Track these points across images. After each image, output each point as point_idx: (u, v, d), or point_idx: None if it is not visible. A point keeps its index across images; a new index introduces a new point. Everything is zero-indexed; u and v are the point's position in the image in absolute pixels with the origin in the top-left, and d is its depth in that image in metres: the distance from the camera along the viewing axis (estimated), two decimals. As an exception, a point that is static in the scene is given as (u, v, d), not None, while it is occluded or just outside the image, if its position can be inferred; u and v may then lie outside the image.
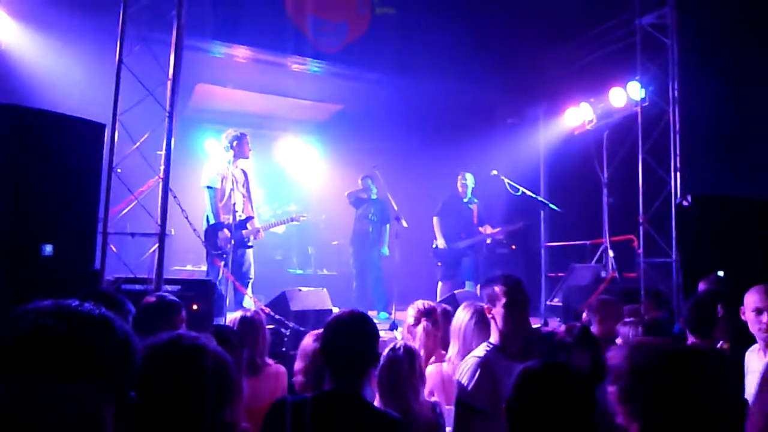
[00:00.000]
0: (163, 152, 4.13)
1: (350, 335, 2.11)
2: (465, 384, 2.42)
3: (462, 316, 3.06)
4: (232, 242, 5.47)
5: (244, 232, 5.81)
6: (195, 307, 4.24)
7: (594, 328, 3.58)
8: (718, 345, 3.14)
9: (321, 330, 2.28)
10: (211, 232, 5.68)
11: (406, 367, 2.54)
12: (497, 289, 2.57)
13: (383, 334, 5.16)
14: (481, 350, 2.55)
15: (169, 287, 4.34)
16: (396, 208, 6.49)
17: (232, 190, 5.79)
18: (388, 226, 7.33)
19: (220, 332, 2.80)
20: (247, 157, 5.99)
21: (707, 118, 6.16)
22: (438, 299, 6.68)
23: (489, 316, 2.60)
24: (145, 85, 4.16)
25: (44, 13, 5.11)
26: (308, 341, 2.86)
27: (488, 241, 7.70)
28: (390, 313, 6.55)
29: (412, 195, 7.61)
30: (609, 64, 7.41)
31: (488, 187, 7.42)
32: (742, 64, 6.13)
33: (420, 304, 3.44)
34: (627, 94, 6.86)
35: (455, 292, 5.88)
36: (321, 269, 9.01)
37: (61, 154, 3.38)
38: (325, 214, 8.81)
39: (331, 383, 2.06)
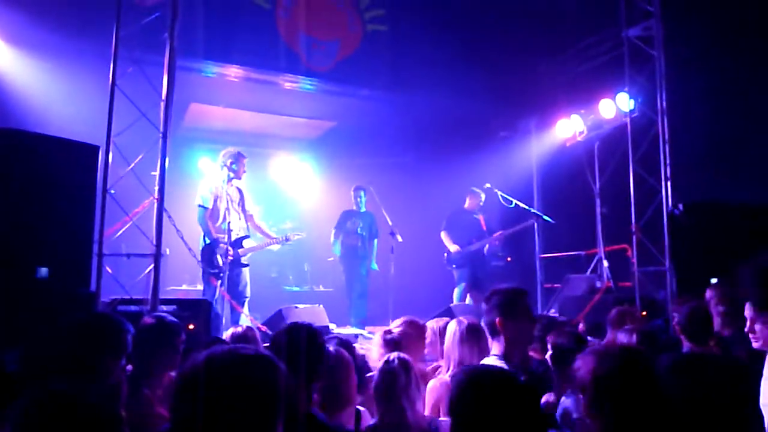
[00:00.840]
0: (158, 173, 4.15)
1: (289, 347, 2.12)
2: None
3: (452, 330, 3.07)
4: (229, 261, 5.48)
5: (239, 251, 5.82)
6: (191, 326, 4.23)
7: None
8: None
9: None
10: (207, 251, 5.69)
11: (402, 378, 2.53)
12: (503, 299, 2.59)
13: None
14: (492, 362, 2.55)
15: (165, 307, 4.34)
16: (390, 223, 6.52)
17: (227, 209, 5.81)
18: (376, 240, 7.34)
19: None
20: (239, 179, 6.02)
21: (696, 127, 6.23)
22: (455, 303, 6.72)
23: (498, 327, 2.59)
24: (139, 106, 4.20)
25: (37, 37, 5.15)
26: None
27: (485, 250, 7.71)
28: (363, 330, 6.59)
29: (407, 210, 7.64)
30: (598, 75, 7.51)
31: (483, 200, 7.48)
32: (729, 74, 6.22)
33: (383, 334, 3.35)
34: (616, 105, 6.94)
35: (451, 305, 5.90)
36: (317, 285, 9.00)
37: (55, 176, 3.40)
38: (320, 230, 8.81)
39: None
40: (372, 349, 3.39)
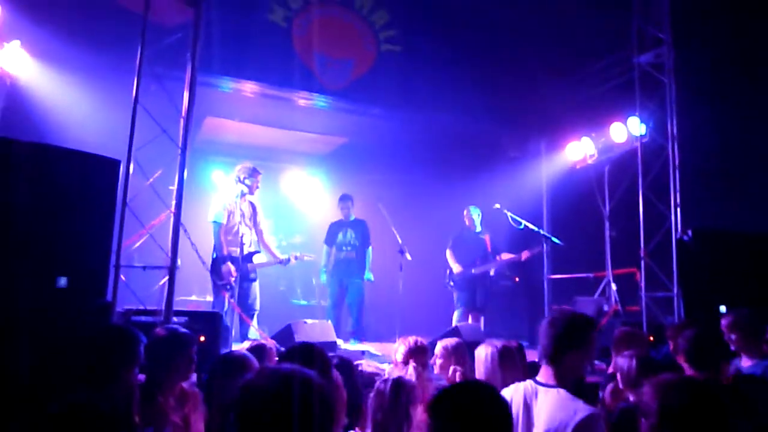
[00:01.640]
0: (175, 187, 4.25)
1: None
2: None
3: (486, 353, 3.06)
4: (239, 275, 5.56)
5: (249, 265, 5.89)
6: (202, 338, 4.29)
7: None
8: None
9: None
10: (217, 264, 5.77)
11: (389, 400, 2.55)
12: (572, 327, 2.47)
13: (387, 367, 5.18)
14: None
15: (176, 319, 4.41)
16: (400, 241, 6.56)
17: (240, 223, 5.91)
18: (371, 248, 7.31)
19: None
20: (252, 194, 6.13)
21: (707, 154, 6.28)
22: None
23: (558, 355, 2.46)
24: (158, 120, 4.30)
25: (63, 52, 5.29)
26: None
27: (491, 272, 7.75)
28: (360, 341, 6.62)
29: (416, 228, 7.69)
30: (609, 99, 7.58)
31: (491, 220, 7.52)
32: (740, 101, 6.28)
33: (411, 340, 3.44)
34: (627, 129, 7.00)
35: (458, 324, 5.92)
36: (325, 300, 9.02)
37: (78, 189, 3.49)
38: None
39: None
40: (398, 350, 3.42)
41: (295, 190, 9.55)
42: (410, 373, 3.25)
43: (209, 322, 4.52)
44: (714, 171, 6.25)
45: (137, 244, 4.32)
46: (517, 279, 7.95)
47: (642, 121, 6.60)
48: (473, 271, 7.20)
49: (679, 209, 5.97)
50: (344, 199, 7.52)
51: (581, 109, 8.03)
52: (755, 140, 6.11)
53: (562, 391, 2.33)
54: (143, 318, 4.17)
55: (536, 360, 2.73)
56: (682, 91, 6.23)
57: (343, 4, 7.58)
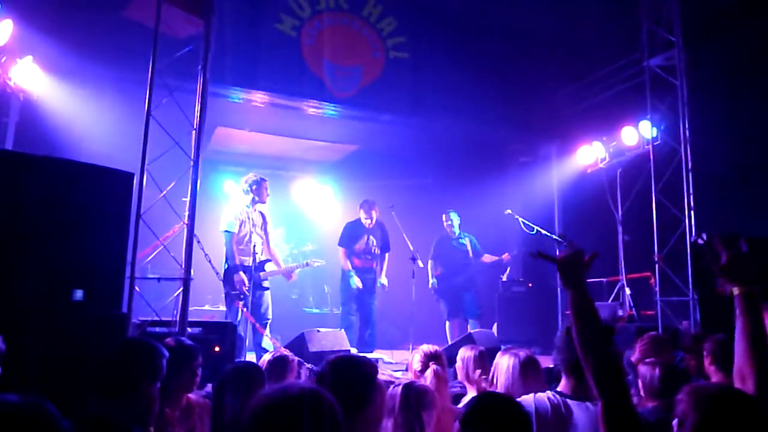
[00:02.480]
0: (188, 199, 4.27)
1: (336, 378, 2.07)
2: None
3: (508, 364, 3.03)
4: (251, 284, 5.57)
5: (261, 274, 5.91)
6: (217, 348, 4.31)
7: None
8: None
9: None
10: (230, 274, 5.79)
11: (401, 404, 2.55)
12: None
13: (400, 375, 5.17)
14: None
15: (190, 329, 4.43)
16: (412, 248, 6.55)
17: (251, 233, 5.94)
18: (388, 254, 7.16)
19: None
20: (264, 202, 6.15)
21: (719, 156, 6.22)
22: (449, 340, 6.67)
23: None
24: (170, 132, 4.33)
25: (75, 66, 5.36)
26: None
27: (504, 278, 7.71)
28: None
29: (428, 234, 7.67)
30: (620, 102, 7.55)
31: (502, 225, 7.49)
32: (752, 103, 6.22)
33: (426, 348, 3.44)
34: (639, 133, 6.96)
35: (471, 332, 5.89)
36: (337, 308, 9.02)
37: (92, 203, 3.52)
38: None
39: None
40: (413, 358, 3.44)
41: (306, 198, 9.58)
42: (429, 378, 3.25)
43: (223, 332, 4.54)
44: (727, 174, 6.19)
45: (151, 256, 4.34)
46: (530, 285, 7.90)
47: (653, 125, 6.56)
48: (456, 280, 7.19)
49: (692, 212, 5.91)
50: (370, 205, 7.01)
51: (592, 113, 8.00)
52: (769, 141, 6.06)
53: (590, 405, 2.30)
54: (158, 329, 4.19)
55: (551, 366, 2.71)
56: (693, 94, 6.18)
57: (350, 12, 7.61)
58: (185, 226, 4.27)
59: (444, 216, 7.46)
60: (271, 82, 6.89)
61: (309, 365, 4.75)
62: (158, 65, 4.27)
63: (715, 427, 1.46)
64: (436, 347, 3.45)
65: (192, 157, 4.28)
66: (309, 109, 7.34)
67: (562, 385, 2.45)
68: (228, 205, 6.50)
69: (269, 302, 6.04)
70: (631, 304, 6.88)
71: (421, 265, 6.49)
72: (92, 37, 5.36)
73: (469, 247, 7.40)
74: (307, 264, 6.42)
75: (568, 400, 2.37)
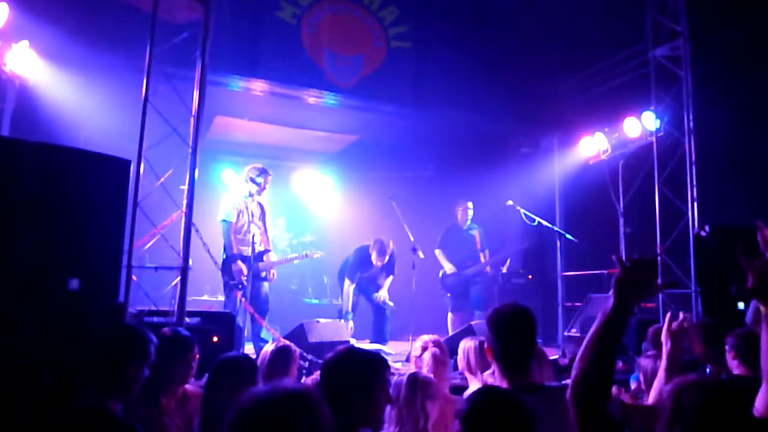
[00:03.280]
0: (186, 187, 4.21)
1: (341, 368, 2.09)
2: None
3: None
4: (250, 274, 5.53)
5: (260, 264, 5.87)
6: (215, 339, 4.27)
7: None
8: None
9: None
10: (228, 264, 5.74)
11: (405, 394, 2.55)
12: None
13: (399, 366, 5.15)
14: None
15: (188, 319, 4.38)
16: (412, 238, 6.50)
17: (250, 222, 5.89)
18: (392, 276, 7.08)
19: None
20: (260, 195, 6.10)
21: (723, 148, 6.17)
22: (450, 332, 6.63)
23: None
24: (168, 120, 4.26)
25: (71, 52, 5.27)
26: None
27: (504, 270, 7.65)
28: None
29: (428, 225, 7.62)
30: (623, 94, 7.48)
31: (504, 216, 7.43)
32: (757, 93, 6.16)
33: (425, 336, 3.52)
34: (642, 124, 6.89)
35: (472, 323, 5.85)
36: (336, 299, 8.99)
37: (88, 190, 3.46)
38: (340, 243, 8.82)
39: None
40: (416, 347, 3.50)
41: (305, 188, 9.52)
42: (427, 361, 3.23)
43: (222, 322, 4.50)
44: (732, 165, 6.13)
45: (149, 245, 4.29)
46: (530, 276, 7.85)
47: (657, 116, 6.49)
48: (466, 272, 7.12)
49: (696, 204, 5.86)
50: (383, 248, 6.83)
51: (594, 105, 7.93)
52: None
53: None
54: (155, 319, 4.15)
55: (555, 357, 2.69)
56: (698, 85, 6.11)
57: (351, 1, 7.52)
58: (183, 214, 4.21)
59: (461, 205, 7.35)
60: (270, 70, 6.80)
61: (309, 356, 4.72)
62: (156, 51, 4.20)
63: (686, 417, 1.40)
64: (436, 336, 3.44)
65: (190, 145, 4.21)
66: (309, 99, 7.25)
67: None
68: (226, 194, 6.45)
69: (268, 292, 6.00)
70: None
71: (421, 256, 6.44)
72: (89, 21, 5.27)
73: (478, 239, 7.33)
74: (306, 255, 6.38)
75: None
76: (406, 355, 5.59)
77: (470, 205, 7.36)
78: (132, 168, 3.82)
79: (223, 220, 5.88)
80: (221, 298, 6.48)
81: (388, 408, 2.54)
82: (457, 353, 3.59)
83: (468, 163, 8.78)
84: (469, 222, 7.37)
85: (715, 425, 1.36)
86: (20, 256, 3.12)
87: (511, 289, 7.66)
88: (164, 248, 4.43)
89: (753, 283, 1.75)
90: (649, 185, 6.36)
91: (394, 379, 2.63)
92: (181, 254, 4.16)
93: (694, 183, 5.91)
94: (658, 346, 3.46)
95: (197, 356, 3.10)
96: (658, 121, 6.46)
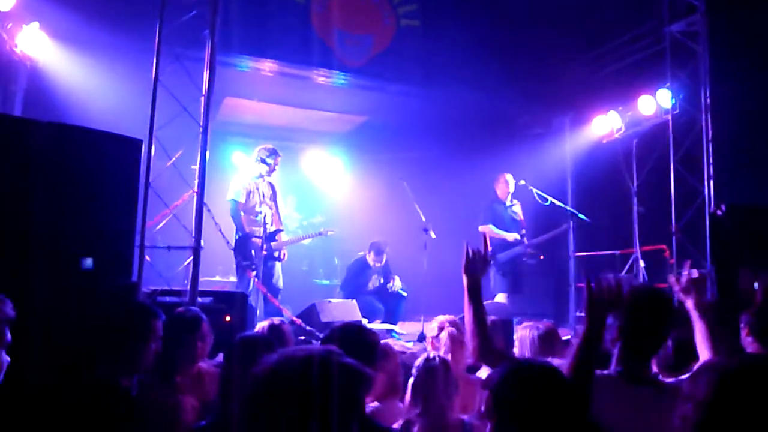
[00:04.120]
0: (198, 166, 4.21)
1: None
2: None
3: (525, 336, 3.07)
4: (264, 254, 5.54)
5: (273, 244, 5.88)
6: (228, 318, 4.29)
7: None
8: None
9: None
10: (242, 244, 5.75)
11: (441, 376, 2.55)
12: None
13: (411, 346, 5.16)
14: None
15: (200, 299, 4.40)
16: (424, 219, 6.48)
17: (262, 203, 5.89)
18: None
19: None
20: (270, 175, 6.09)
21: (740, 126, 6.05)
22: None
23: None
24: (179, 100, 4.25)
25: (81, 33, 5.25)
26: None
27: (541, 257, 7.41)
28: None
29: (439, 205, 7.58)
30: (637, 71, 7.35)
31: (516, 196, 7.37)
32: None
33: (442, 317, 3.54)
34: (656, 102, 6.79)
35: (484, 303, 5.83)
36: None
37: (100, 169, 3.46)
38: (350, 223, 8.81)
39: None
40: (432, 327, 3.52)
41: (315, 169, 9.49)
42: (444, 341, 3.24)
43: (235, 302, 4.51)
44: (749, 143, 6.02)
45: (161, 225, 4.30)
46: (542, 257, 7.81)
47: (672, 93, 6.38)
48: (515, 251, 6.68)
49: (712, 183, 5.77)
50: (380, 249, 6.94)
51: (607, 83, 7.80)
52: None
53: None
54: (168, 298, 4.17)
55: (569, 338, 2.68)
56: (715, 61, 5.98)
57: (360, -21, 7.42)
58: (195, 194, 4.21)
59: (501, 179, 6.87)
60: (279, 50, 6.75)
61: (321, 335, 4.73)
62: (165, 31, 4.17)
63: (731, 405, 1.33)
64: (453, 316, 3.44)
65: (201, 123, 4.19)
66: (318, 78, 7.20)
67: None
68: (236, 175, 6.44)
69: (280, 273, 6.02)
70: (645, 276, 6.79)
71: (433, 236, 6.40)
72: (99, 2, 5.24)
73: (520, 213, 6.94)
74: (320, 233, 6.38)
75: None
76: (417, 335, 5.60)
77: (509, 177, 6.86)
78: (143, 148, 3.82)
79: (232, 200, 5.89)
80: (233, 279, 6.51)
81: (408, 391, 2.56)
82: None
83: (478, 143, 8.69)
84: (510, 197, 6.91)
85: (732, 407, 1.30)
86: (34, 235, 3.13)
87: (523, 270, 7.62)
88: (176, 229, 4.44)
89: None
90: (663, 164, 6.28)
91: (417, 362, 2.64)
92: (194, 234, 4.17)
93: (711, 161, 5.82)
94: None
95: (208, 335, 3.11)
96: (674, 98, 6.35)
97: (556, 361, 2.48)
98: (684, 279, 2.33)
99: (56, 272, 3.22)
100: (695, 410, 1.31)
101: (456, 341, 3.29)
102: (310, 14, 7.08)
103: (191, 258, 4.16)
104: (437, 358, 2.63)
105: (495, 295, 6.59)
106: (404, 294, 6.91)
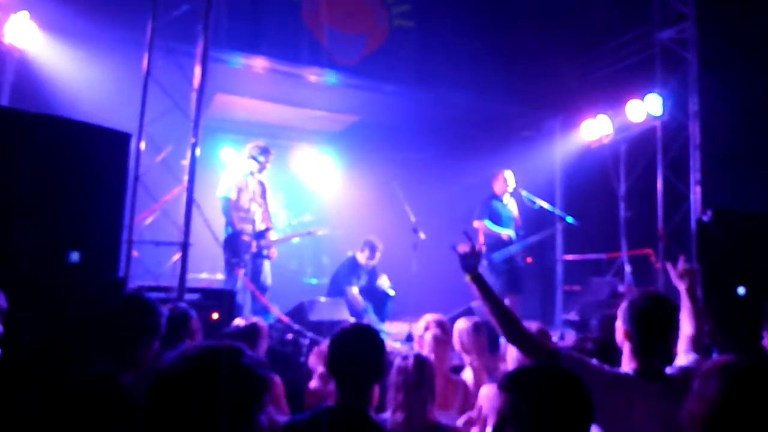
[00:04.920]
0: (188, 162, 4.18)
1: (355, 349, 2.10)
2: None
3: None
4: (253, 251, 5.51)
5: (262, 242, 5.85)
6: (215, 316, 4.26)
7: None
8: None
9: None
10: (231, 241, 5.72)
11: (414, 376, 2.53)
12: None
13: (399, 346, 5.16)
14: None
15: (188, 296, 4.37)
16: (413, 219, 6.48)
17: (252, 200, 5.86)
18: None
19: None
20: (261, 173, 6.07)
21: (728, 132, 6.13)
22: None
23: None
24: (170, 94, 4.21)
25: (72, 25, 5.18)
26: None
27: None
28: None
29: (428, 206, 7.59)
30: (626, 77, 7.40)
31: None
32: (764, 78, 6.11)
33: (429, 316, 3.51)
34: (645, 108, 6.84)
35: (471, 304, 5.85)
36: (335, 279, 9.00)
37: (88, 162, 3.42)
38: (339, 223, 8.79)
39: (338, 397, 2.06)
40: (419, 326, 3.52)
41: (305, 168, 9.47)
42: (428, 341, 3.23)
43: (222, 299, 4.48)
44: (736, 150, 6.10)
45: (149, 220, 4.26)
46: (529, 260, 7.85)
47: (661, 99, 6.44)
48: (512, 249, 6.53)
49: (699, 189, 5.83)
50: (373, 248, 6.95)
51: (598, 87, 7.85)
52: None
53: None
54: (155, 294, 4.13)
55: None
56: (704, 68, 6.05)
57: (354, -23, 7.41)
58: (185, 189, 4.18)
59: (499, 176, 6.73)
60: (271, 47, 6.71)
61: (309, 334, 4.72)
62: (158, 25, 4.14)
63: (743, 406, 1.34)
64: (440, 316, 3.43)
65: (192, 119, 4.16)
66: (310, 76, 7.17)
67: None
68: (226, 172, 6.41)
69: (268, 271, 5.99)
70: (632, 280, 6.84)
71: (422, 236, 6.40)
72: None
73: (516, 211, 6.84)
74: (310, 232, 6.35)
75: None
76: (405, 335, 5.60)
77: (509, 174, 6.72)
78: (132, 142, 3.78)
79: (223, 197, 5.85)
80: (220, 276, 6.47)
81: (392, 392, 2.54)
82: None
83: (469, 144, 8.72)
84: (508, 194, 6.78)
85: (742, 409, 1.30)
86: (19, 228, 3.09)
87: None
88: (164, 225, 4.40)
89: None
90: (650, 169, 6.34)
91: (397, 361, 2.62)
92: (183, 229, 4.13)
93: (698, 167, 5.88)
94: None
95: (197, 332, 3.09)
96: (663, 104, 6.41)
97: None
98: (680, 266, 2.56)
99: (43, 266, 3.18)
100: (705, 408, 1.33)
101: (440, 341, 3.28)
102: (303, 12, 7.05)
103: (179, 254, 4.13)
104: (410, 357, 2.60)
105: None
106: (391, 293, 6.89)
